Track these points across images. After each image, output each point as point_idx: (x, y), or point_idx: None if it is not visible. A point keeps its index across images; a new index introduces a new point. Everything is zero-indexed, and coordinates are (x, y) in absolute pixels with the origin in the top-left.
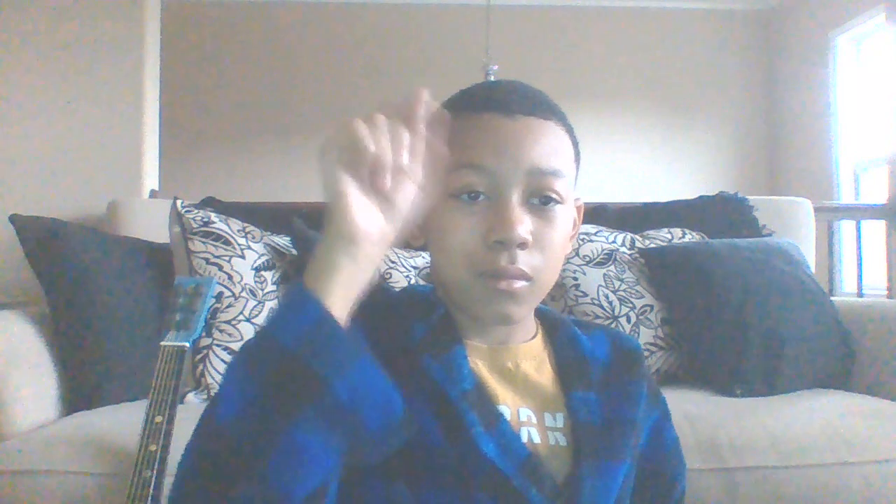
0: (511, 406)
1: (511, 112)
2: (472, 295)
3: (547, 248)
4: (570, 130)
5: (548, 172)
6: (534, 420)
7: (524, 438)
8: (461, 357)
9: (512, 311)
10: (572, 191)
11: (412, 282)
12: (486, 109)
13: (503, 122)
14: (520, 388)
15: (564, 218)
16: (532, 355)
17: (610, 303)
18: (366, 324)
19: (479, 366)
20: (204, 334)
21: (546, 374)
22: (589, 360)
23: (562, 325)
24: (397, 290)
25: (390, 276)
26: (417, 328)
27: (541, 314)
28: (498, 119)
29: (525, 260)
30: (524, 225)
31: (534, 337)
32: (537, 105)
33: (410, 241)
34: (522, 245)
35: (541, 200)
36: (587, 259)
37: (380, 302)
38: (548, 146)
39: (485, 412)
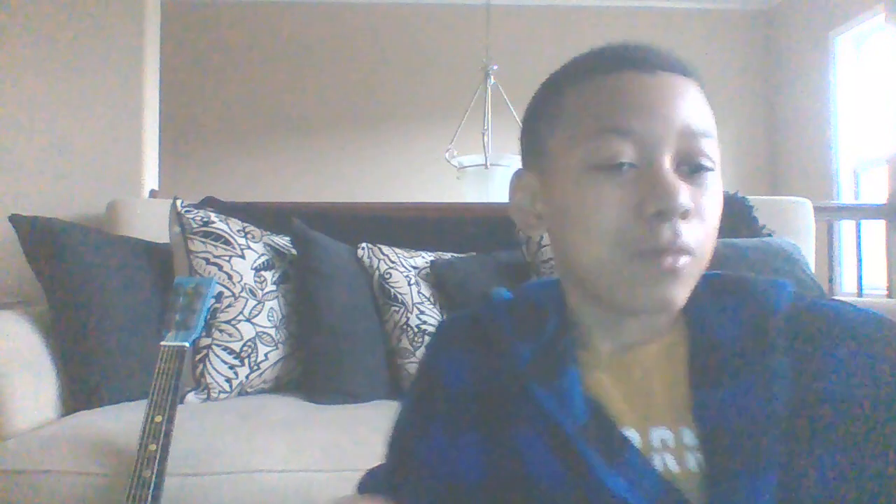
0: (641, 429)
1: (653, 69)
2: (627, 280)
3: (707, 219)
4: (704, 89)
5: (700, 133)
6: (670, 442)
7: (659, 467)
8: (574, 382)
9: (676, 293)
10: (719, 157)
11: (411, 282)
12: (623, 67)
13: (646, 80)
14: (652, 403)
15: (717, 185)
16: (665, 353)
17: None
18: (469, 351)
19: (602, 381)
20: (204, 334)
21: (683, 375)
22: (720, 343)
23: (696, 299)
24: (510, 296)
25: (390, 276)
26: (524, 350)
27: None
28: (640, 77)
29: (688, 232)
30: (683, 191)
31: (671, 327)
32: (677, 62)
33: (527, 230)
34: (685, 215)
35: (691, 167)
36: None
37: (485, 319)
38: (696, 104)
39: (608, 443)
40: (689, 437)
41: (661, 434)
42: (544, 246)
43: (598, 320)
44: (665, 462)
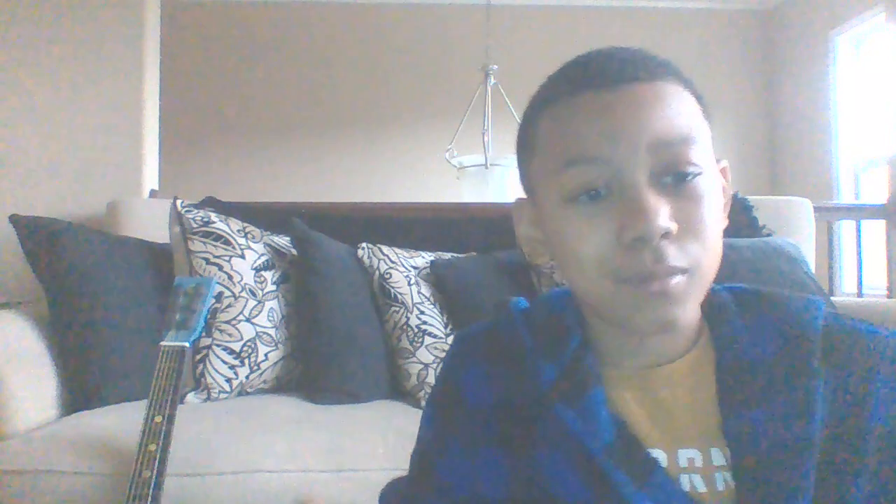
0: (668, 448)
1: (612, 83)
2: (621, 306)
3: (699, 231)
4: (688, 84)
5: (675, 141)
6: (698, 462)
7: (686, 487)
8: (599, 402)
9: (673, 314)
10: (711, 154)
11: (411, 282)
12: (583, 88)
13: (606, 99)
14: (678, 421)
15: (710, 188)
16: (691, 371)
17: None
18: (490, 365)
19: (627, 400)
20: (204, 334)
21: (710, 393)
22: (751, 363)
23: (724, 315)
24: (527, 307)
25: (390, 276)
26: (548, 369)
27: (707, 303)
28: (599, 96)
29: (675, 252)
30: (662, 212)
31: (696, 343)
32: (640, 66)
33: (534, 258)
34: (667, 236)
35: (675, 177)
36: None
37: (505, 334)
38: (665, 111)
39: (635, 464)
40: (718, 457)
41: (688, 454)
42: None
43: (617, 339)
44: (692, 482)
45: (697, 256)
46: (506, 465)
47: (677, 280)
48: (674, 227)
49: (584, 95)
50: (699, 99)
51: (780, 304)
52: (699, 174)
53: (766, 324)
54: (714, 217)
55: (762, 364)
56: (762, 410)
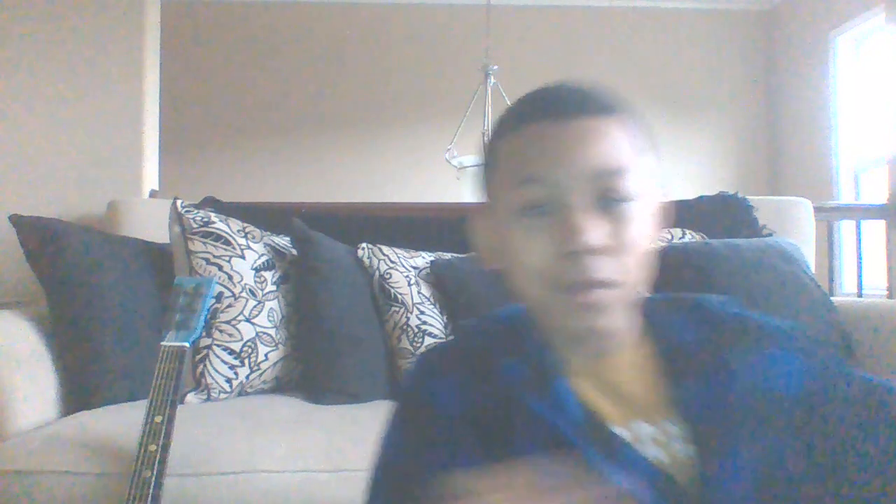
0: (628, 426)
1: (561, 116)
2: (556, 312)
3: (627, 250)
4: (633, 121)
5: (610, 171)
6: (655, 435)
7: (650, 457)
8: (566, 390)
9: (598, 323)
10: (648, 184)
11: (411, 282)
12: (536, 119)
13: (554, 129)
14: (632, 402)
15: (642, 215)
16: (636, 362)
17: None
18: (458, 377)
19: (585, 388)
20: (204, 334)
21: (653, 375)
22: (681, 348)
23: (658, 313)
24: (477, 324)
25: (391, 276)
26: (512, 368)
27: (647, 304)
28: (549, 126)
29: (604, 267)
30: (594, 230)
31: (638, 341)
32: (588, 103)
33: (489, 265)
34: (595, 252)
35: (609, 202)
36: None
37: (465, 349)
38: (604, 144)
39: (604, 442)
40: (671, 428)
41: (646, 429)
42: None
43: (564, 339)
44: (654, 453)
45: (624, 272)
46: (488, 463)
47: (601, 293)
48: (605, 244)
49: (538, 125)
50: (643, 135)
51: (700, 303)
52: (631, 201)
53: (689, 318)
54: (643, 238)
55: (689, 348)
56: (696, 384)
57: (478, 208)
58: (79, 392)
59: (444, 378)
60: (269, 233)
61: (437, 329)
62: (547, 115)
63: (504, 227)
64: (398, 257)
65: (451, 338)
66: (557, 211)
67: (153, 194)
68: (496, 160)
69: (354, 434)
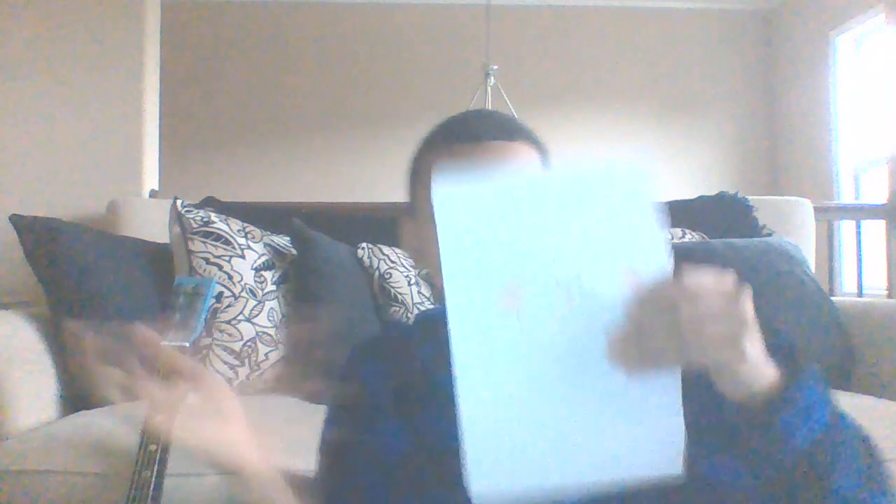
0: None
1: (478, 138)
2: None
3: None
4: (538, 147)
5: None
6: None
7: None
8: None
9: None
10: None
11: (412, 282)
12: (457, 139)
13: (471, 149)
14: None
15: None
16: None
17: None
18: (383, 360)
19: None
20: (204, 334)
21: None
22: None
23: None
24: (407, 320)
25: (391, 276)
26: (427, 349)
27: None
28: (467, 146)
29: None
30: None
31: None
32: (502, 129)
33: (417, 264)
34: None
35: None
36: None
37: (395, 334)
38: (516, 163)
39: None
40: None
41: None
42: None
43: None
44: None
45: None
46: (404, 430)
47: None
48: None
49: (455, 144)
50: (543, 159)
51: None
52: None
53: None
54: None
55: None
56: None
57: (404, 212)
58: (79, 392)
59: (372, 364)
60: (269, 233)
61: None
62: (463, 136)
63: (427, 232)
64: (398, 257)
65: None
66: None
67: (153, 194)
68: (418, 172)
69: None
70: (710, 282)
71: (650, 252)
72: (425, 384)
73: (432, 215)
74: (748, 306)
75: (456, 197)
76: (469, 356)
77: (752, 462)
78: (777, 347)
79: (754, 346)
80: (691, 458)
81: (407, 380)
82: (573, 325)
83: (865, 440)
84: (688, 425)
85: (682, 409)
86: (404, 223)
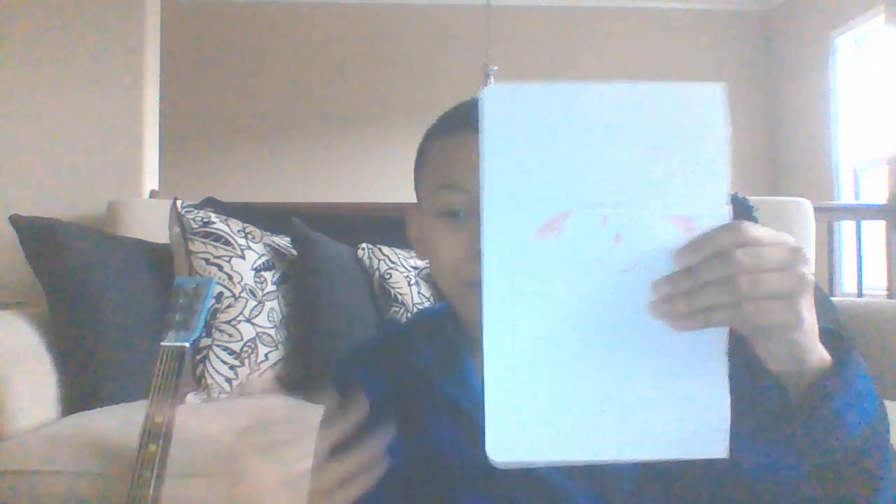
0: None
1: (477, 128)
2: (467, 304)
3: None
4: None
5: None
6: None
7: None
8: (471, 371)
9: None
10: None
11: (412, 282)
12: (456, 129)
13: (472, 139)
14: None
15: None
16: None
17: None
18: (381, 365)
19: None
20: (204, 334)
21: None
22: None
23: None
24: (406, 320)
25: (391, 277)
26: (427, 352)
27: None
28: (468, 137)
29: None
30: None
31: None
32: None
33: (418, 257)
34: None
35: None
36: None
37: (392, 336)
38: None
39: None
40: None
41: None
42: None
43: (474, 327)
44: None
45: None
46: (402, 438)
47: None
48: None
49: (458, 135)
50: None
51: None
52: None
53: None
54: None
55: None
56: None
57: (412, 205)
58: (79, 392)
59: (369, 367)
60: (269, 233)
61: None
62: (465, 126)
63: (428, 225)
64: (398, 257)
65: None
66: (469, 215)
67: (153, 194)
68: (423, 164)
69: None
70: (770, 232)
71: (710, 193)
72: (426, 391)
73: (432, 209)
74: (807, 265)
75: (506, 95)
76: (499, 290)
77: (798, 449)
78: (825, 332)
79: (810, 313)
80: (731, 441)
81: (405, 385)
82: (616, 269)
83: None
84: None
85: (727, 383)
86: (410, 214)
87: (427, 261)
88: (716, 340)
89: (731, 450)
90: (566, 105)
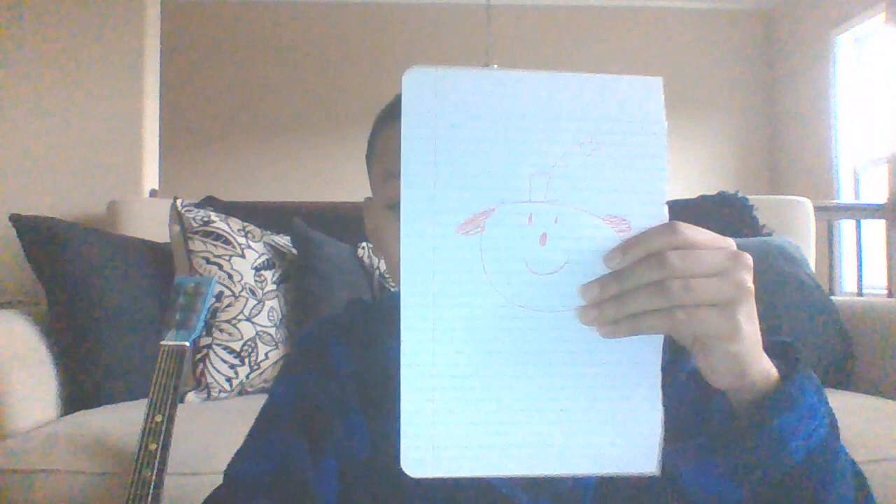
0: None
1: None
2: None
3: None
4: None
5: None
6: None
7: None
8: None
9: None
10: None
11: None
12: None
13: None
14: None
15: None
16: None
17: None
18: (350, 343)
19: None
20: (204, 333)
21: None
22: None
23: None
24: (370, 301)
25: (390, 276)
26: (393, 344)
27: None
28: None
29: None
30: None
31: None
32: None
33: (375, 252)
34: None
35: None
36: None
37: (358, 319)
38: None
39: None
40: None
41: None
42: None
43: None
44: None
45: None
46: (369, 429)
47: None
48: None
49: (400, 122)
50: None
51: None
52: None
53: None
54: None
55: None
56: None
57: (369, 198)
58: (79, 392)
59: (338, 341)
60: (269, 232)
61: None
62: None
63: (378, 217)
64: None
65: (346, 309)
66: None
67: (153, 194)
68: (371, 153)
69: None
70: (709, 235)
71: (646, 191)
72: (388, 382)
73: (381, 199)
74: (748, 272)
75: (428, 79)
76: (418, 290)
77: (739, 469)
78: (775, 346)
79: (751, 324)
80: (667, 462)
81: (370, 371)
82: (542, 270)
83: (858, 473)
84: (665, 424)
85: (661, 395)
86: (367, 206)
87: (380, 254)
88: (649, 349)
89: (672, 466)
90: (494, 93)
